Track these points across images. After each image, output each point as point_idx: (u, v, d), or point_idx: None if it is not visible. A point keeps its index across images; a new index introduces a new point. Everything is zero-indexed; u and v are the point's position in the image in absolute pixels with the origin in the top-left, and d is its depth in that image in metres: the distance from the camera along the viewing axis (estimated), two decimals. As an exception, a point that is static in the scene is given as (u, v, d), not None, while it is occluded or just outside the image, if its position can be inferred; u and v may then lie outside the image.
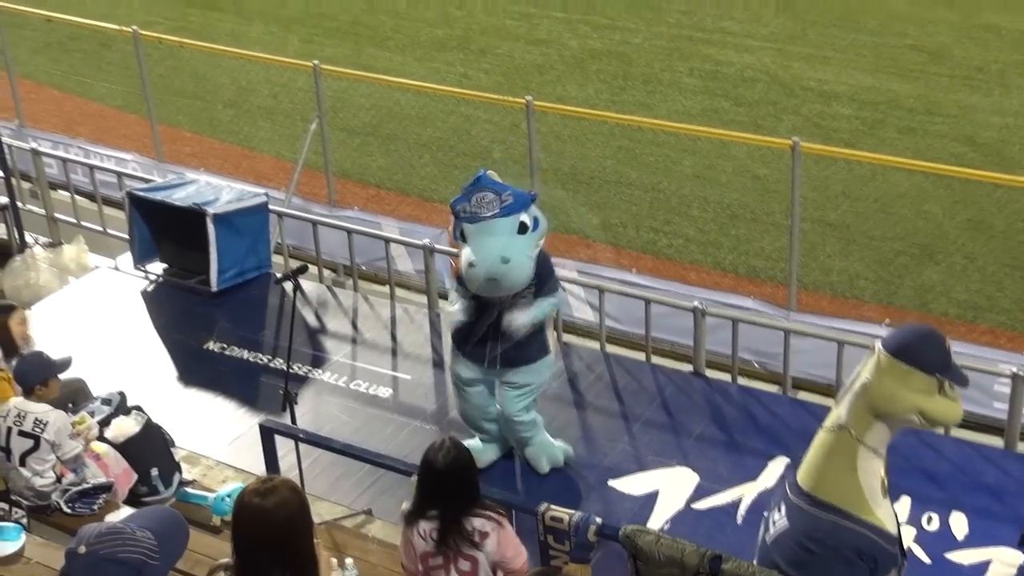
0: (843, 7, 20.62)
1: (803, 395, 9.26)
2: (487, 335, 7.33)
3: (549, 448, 7.81)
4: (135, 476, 7.22)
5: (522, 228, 7.04)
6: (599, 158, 14.83)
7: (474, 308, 7.34)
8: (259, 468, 7.35)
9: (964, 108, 16.17)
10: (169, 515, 3.87)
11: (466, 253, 7.09)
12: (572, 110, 14.06)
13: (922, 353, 4.65)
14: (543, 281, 7.28)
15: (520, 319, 7.21)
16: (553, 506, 5.83)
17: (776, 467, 7.76)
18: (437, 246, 9.94)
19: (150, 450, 7.39)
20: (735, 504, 7.47)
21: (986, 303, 11.60)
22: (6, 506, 6.93)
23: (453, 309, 7.44)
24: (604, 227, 13.29)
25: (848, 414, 4.77)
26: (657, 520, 7.35)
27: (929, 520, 7.23)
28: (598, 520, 5.68)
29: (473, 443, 7.84)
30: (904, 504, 7.31)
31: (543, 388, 7.79)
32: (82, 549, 3.62)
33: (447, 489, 5.04)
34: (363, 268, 11.36)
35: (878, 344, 4.71)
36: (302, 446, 7.35)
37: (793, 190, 10.05)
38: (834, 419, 4.89)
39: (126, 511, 6.52)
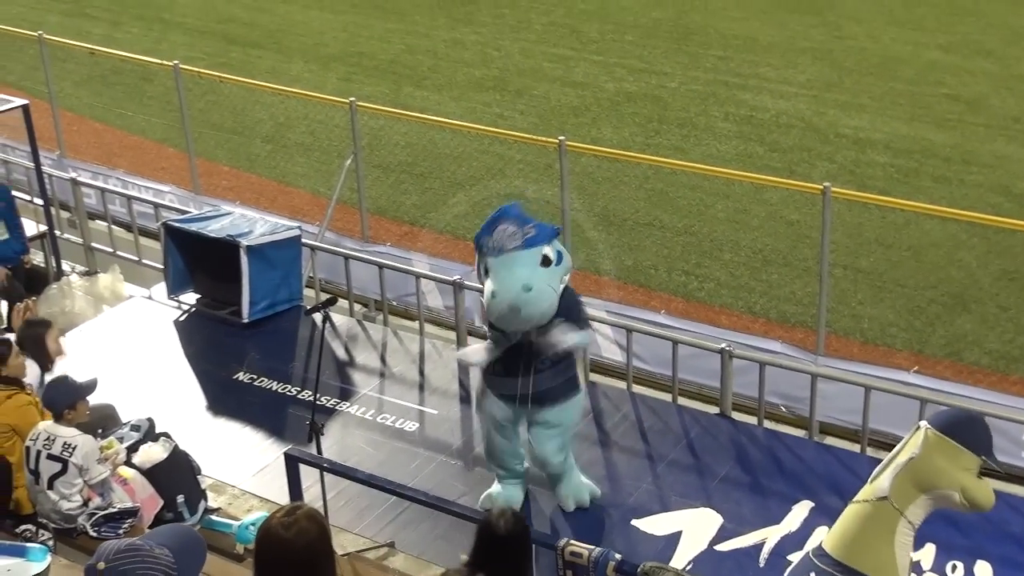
0: (880, 55, 20.66)
1: (829, 440, 9.23)
2: (518, 372, 7.30)
3: (578, 488, 7.80)
4: (161, 502, 7.28)
5: (545, 261, 7.01)
6: (632, 200, 14.88)
7: (503, 347, 7.32)
8: (284, 498, 7.38)
9: (1000, 158, 16.13)
10: (187, 533, 3.91)
11: (488, 284, 7.06)
12: (605, 151, 14.13)
13: (971, 434, 4.91)
14: (571, 318, 7.23)
15: (558, 336, 7.13)
16: (573, 541, 5.84)
17: (800, 511, 7.73)
18: (467, 282, 10.01)
19: (177, 477, 7.45)
20: (758, 547, 7.45)
21: (1019, 353, 11.53)
22: (33, 528, 7.00)
23: (473, 352, 7.47)
24: (635, 268, 13.32)
25: (892, 487, 4.96)
26: (680, 560, 7.34)
27: (954, 568, 7.18)
28: (617, 556, 5.69)
29: (496, 490, 7.84)
30: (928, 552, 7.26)
31: (575, 428, 7.77)
32: (101, 565, 3.67)
33: (503, 556, 5.01)
34: (393, 303, 11.42)
35: (924, 423, 4.94)
36: (327, 477, 7.39)
37: (823, 235, 10.05)
38: (873, 491, 5.01)
39: (150, 536, 6.57)
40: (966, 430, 4.91)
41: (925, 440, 4.87)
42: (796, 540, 7.40)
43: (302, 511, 4.17)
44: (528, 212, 7.27)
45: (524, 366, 7.27)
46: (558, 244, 7.19)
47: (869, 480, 5.06)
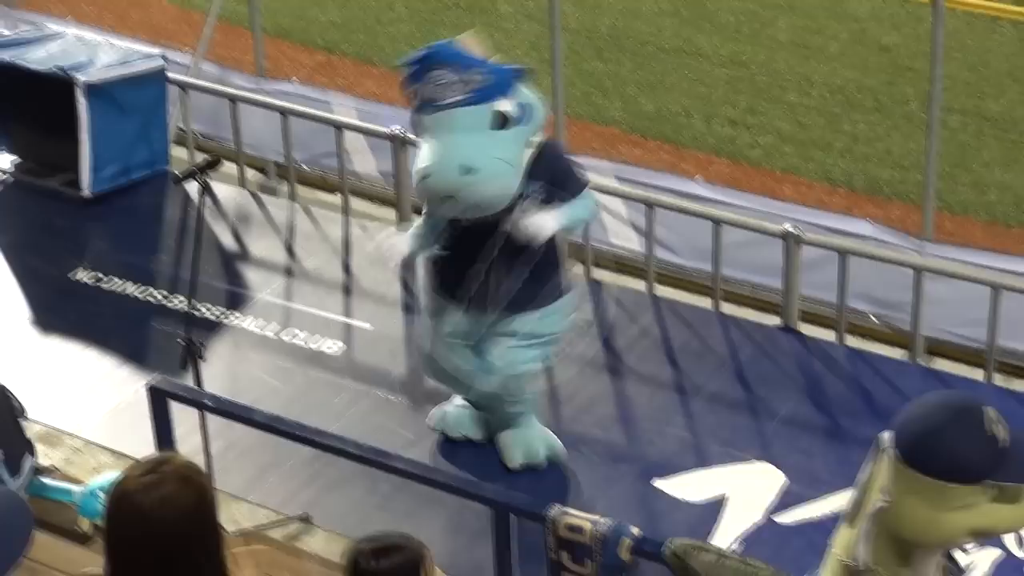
0: None
1: (940, 363, 9.30)
2: (480, 267, 7.36)
3: (532, 438, 7.85)
4: (-33, 458, 7.29)
5: (499, 121, 7.06)
6: (653, 14, 14.78)
7: (452, 231, 7.39)
8: (147, 451, 7.38)
9: None
10: (4, 498, 3.90)
11: (420, 156, 7.16)
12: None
13: (956, 456, 4.00)
14: (560, 182, 7.28)
15: (542, 221, 7.18)
16: (570, 510, 5.88)
17: (898, 465, 7.80)
18: (411, 136, 9.95)
19: (-11, 422, 7.46)
20: (838, 517, 7.50)
21: None
22: None
23: (400, 240, 7.60)
24: (659, 116, 13.28)
25: (867, 551, 4.39)
26: (724, 537, 7.42)
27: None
28: (635, 531, 5.74)
29: (452, 411, 8.03)
30: None
31: (556, 344, 7.84)
32: None
33: None
34: (304, 167, 11.37)
35: (885, 439, 4.11)
36: (211, 420, 7.39)
37: (933, 66, 10.02)
38: (846, 550, 4.56)
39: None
40: (944, 453, 3.98)
41: (894, 475, 4.06)
42: (892, 507, 7.48)
43: (171, 467, 4.14)
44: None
45: (484, 261, 7.33)
46: (525, 93, 7.19)
47: (843, 518, 4.59)
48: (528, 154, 7.22)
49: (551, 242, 7.42)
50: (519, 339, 7.57)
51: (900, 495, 4.07)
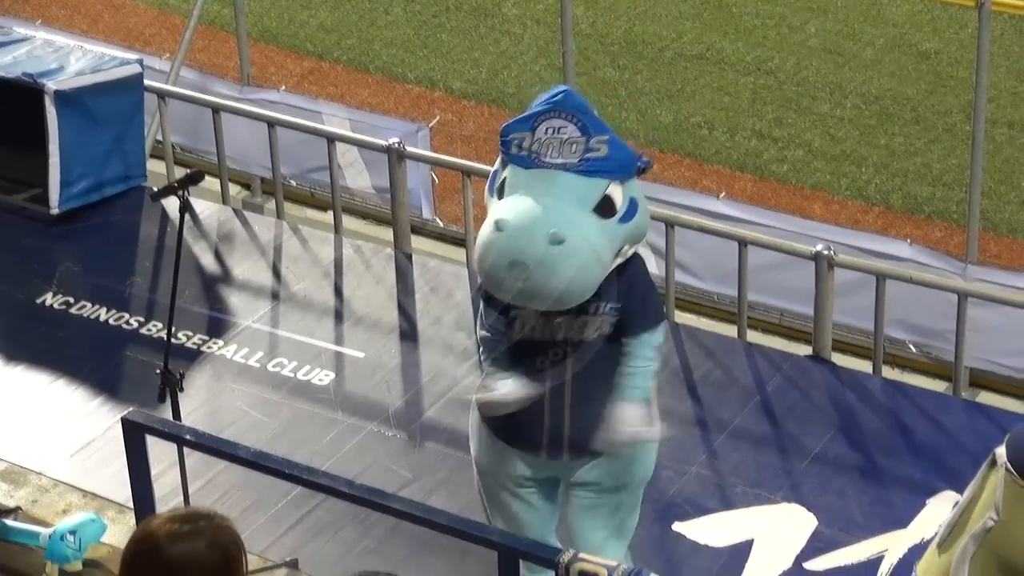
0: None
1: (985, 396, 9.28)
2: (542, 396, 6.47)
3: None
4: (-75, 499, 7.31)
5: (605, 207, 6.18)
6: (672, 18, 14.81)
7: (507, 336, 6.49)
8: (119, 490, 7.40)
9: None
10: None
11: (497, 209, 6.19)
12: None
13: None
14: (635, 312, 6.46)
15: (632, 415, 6.49)
16: (584, 555, 5.87)
17: (939, 507, 7.77)
18: (410, 149, 9.94)
19: (-50, 459, 7.47)
20: (874, 563, 7.51)
21: None
22: None
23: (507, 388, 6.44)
24: (678, 128, 13.30)
25: (967, 573, 4.51)
26: (750, 584, 7.42)
27: None
28: (653, 577, 5.73)
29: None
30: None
31: (639, 497, 7.00)
32: None
33: None
34: (292, 183, 11.37)
35: (1001, 455, 4.33)
36: (191, 457, 7.40)
37: (978, 74, 10.03)
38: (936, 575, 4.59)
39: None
40: None
41: (1007, 491, 4.29)
42: (932, 553, 7.47)
43: (209, 524, 4.09)
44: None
45: (553, 382, 6.48)
46: (635, 187, 6.40)
47: (936, 542, 4.57)
48: (619, 260, 6.33)
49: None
50: (590, 494, 6.76)
51: (1014, 514, 4.10)
